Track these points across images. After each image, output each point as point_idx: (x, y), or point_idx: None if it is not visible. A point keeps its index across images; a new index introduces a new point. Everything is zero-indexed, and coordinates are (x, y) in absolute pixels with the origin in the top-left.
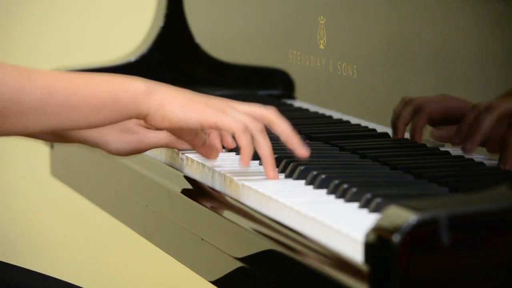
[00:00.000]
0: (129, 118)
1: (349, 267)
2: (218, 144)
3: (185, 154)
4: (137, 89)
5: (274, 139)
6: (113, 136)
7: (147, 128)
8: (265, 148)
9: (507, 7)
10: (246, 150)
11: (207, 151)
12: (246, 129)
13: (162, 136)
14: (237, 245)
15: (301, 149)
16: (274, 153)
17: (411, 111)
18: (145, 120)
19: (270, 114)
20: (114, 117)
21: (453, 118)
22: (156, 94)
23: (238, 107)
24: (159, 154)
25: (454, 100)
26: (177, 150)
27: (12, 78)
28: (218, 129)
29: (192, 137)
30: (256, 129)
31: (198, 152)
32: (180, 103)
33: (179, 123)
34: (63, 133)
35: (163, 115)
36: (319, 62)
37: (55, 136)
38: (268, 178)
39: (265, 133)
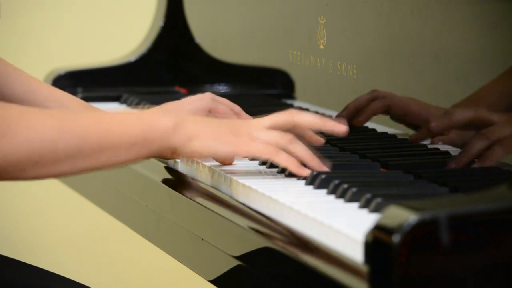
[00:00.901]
0: (160, 154)
1: (349, 267)
2: None
3: None
4: (166, 125)
5: None
6: None
7: None
8: (302, 154)
9: (507, 7)
10: (291, 165)
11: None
12: (278, 150)
13: None
14: (237, 245)
15: (338, 127)
16: None
17: (369, 99)
18: (173, 154)
19: (291, 117)
20: (144, 155)
21: (412, 121)
22: (184, 128)
23: (262, 124)
24: None
25: (418, 105)
26: None
27: (49, 129)
28: (251, 157)
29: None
30: (287, 142)
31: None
32: (208, 136)
33: (209, 156)
34: None
35: (192, 150)
36: (319, 62)
37: None
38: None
39: (296, 140)
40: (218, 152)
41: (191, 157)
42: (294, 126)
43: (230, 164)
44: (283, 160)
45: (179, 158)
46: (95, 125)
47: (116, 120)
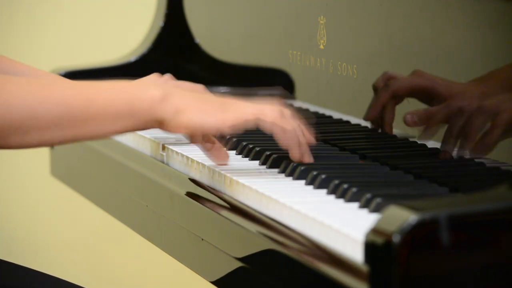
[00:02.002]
0: (146, 126)
1: (349, 267)
2: (225, 150)
3: (185, 154)
4: (153, 96)
5: (272, 139)
6: None
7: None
8: (294, 129)
9: (507, 7)
10: (276, 120)
11: (217, 155)
12: (264, 113)
13: None
14: (237, 245)
15: (302, 156)
16: (274, 153)
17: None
18: (160, 127)
19: (283, 110)
20: (130, 126)
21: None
22: (171, 100)
23: (249, 104)
24: (159, 154)
25: (424, 77)
26: (176, 151)
27: (29, 93)
28: (239, 129)
29: (202, 141)
30: (278, 115)
31: (208, 156)
32: (196, 108)
33: (195, 129)
34: None
35: (179, 122)
36: (319, 62)
37: None
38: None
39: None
40: (204, 125)
41: (178, 130)
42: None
43: (224, 162)
44: (269, 118)
45: (166, 131)
46: (78, 93)
47: (101, 90)
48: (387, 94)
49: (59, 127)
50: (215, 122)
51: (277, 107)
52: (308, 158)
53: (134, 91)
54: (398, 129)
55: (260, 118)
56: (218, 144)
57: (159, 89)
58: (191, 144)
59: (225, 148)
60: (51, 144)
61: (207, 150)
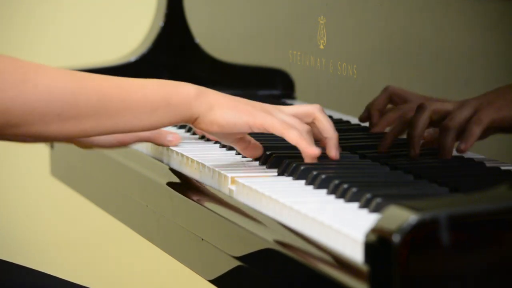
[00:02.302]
0: (181, 121)
1: (349, 267)
2: (259, 144)
3: (185, 154)
4: (188, 92)
5: (273, 139)
6: None
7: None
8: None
9: (507, 7)
10: (301, 141)
11: (252, 151)
12: (292, 127)
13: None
14: (237, 245)
15: (332, 151)
16: (274, 153)
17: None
18: (194, 124)
19: (315, 111)
20: (167, 120)
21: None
22: (206, 97)
23: (283, 109)
24: (159, 154)
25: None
26: (176, 150)
27: (69, 82)
28: (265, 130)
29: (237, 139)
30: (303, 129)
31: (243, 154)
32: (228, 106)
33: (228, 126)
34: None
35: (212, 119)
36: (319, 62)
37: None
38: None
39: (311, 133)
40: (236, 122)
41: (210, 127)
42: (314, 121)
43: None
44: (294, 136)
45: (199, 128)
46: (115, 85)
47: (138, 83)
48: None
49: (97, 117)
50: (247, 119)
51: (305, 125)
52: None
53: (171, 86)
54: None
55: (284, 134)
56: (253, 142)
57: (194, 87)
58: (191, 143)
59: (260, 144)
60: (89, 135)
61: (243, 149)
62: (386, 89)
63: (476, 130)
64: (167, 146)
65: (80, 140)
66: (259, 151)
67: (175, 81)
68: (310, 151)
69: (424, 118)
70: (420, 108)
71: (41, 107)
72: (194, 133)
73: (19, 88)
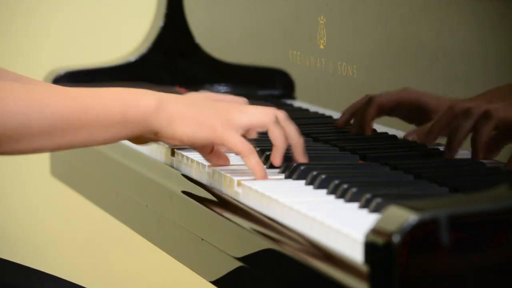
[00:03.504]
0: (140, 134)
1: (349, 267)
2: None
3: (185, 154)
4: (147, 105)
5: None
6: None
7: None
8: (278, 139)
9: (507, 7)
10: (257, 172)
11: (216, 159)
12: (251, 150)
13: None
14: (237, 245)
15: (301, 157)
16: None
17: (365, 105)
18: (155, 136)
19: (279, 115)
20: (124, 134)
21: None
22: (165, 110)
23: (247, 111)
24: (159, 154)
25: (413, 93)
26: (176, 150)
27: (22, 102)
28: (225, 147)
29: (201, 147)
30: (271, 119)
31: (207, 160)
32: (188, 119)
33: (188, 141)
34: None
35: (172, 134)
36: (319, 62)
37: None
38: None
39: (282, 120)
40: (195, 138)
41: (172, 141)
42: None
43: (224, 165)
44: (251, 163)
45: (160, 141)
46: (71, 101)
47: (96, 97)
48: (373, 109)
49: (51, 135)
50: (208, 135)
51: (271, 112)
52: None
53: (129, 99)
54: (398, 129)
55: (243, 157)
56: (216, 149)
57: (154, 98)
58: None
59: (224, 153)
60: (42, 151)
61: (205, 155)
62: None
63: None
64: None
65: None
66: (223, 160)
67: (136, 91)
68: (261, 178)
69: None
70: (466, 115)
71: None
72: None
73: None
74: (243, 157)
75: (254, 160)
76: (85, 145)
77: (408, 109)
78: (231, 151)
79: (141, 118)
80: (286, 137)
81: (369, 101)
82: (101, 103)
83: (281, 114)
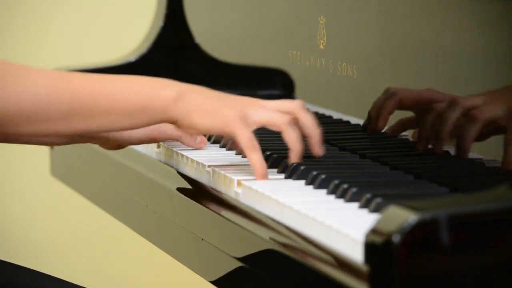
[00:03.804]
0: (159, 122)
1: (349, 267)
2: None
3: (185, 154)
4: (167, 95)
5: (272, 139)
6: None
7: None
8: (292, 140)
9: (507, 7)
10: (257, 167)
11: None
12: (256, 148)
13: (177, 129)
14: (237, 245)
15: (315, 149)
16: (274, 153)
17: (385, 98)
18: (175, 124)
19: (295, 109)
20: (143, 123)
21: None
22: (184, 101)
23: (266, 104)
24: (159, 154)
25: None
26: (176, 150)
27: (42, 85)
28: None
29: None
30: (285, 121)
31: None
32: (207, 111)
33: (205, 131)
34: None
35: (190, 123)
36: (319, 62)
37: (63, 137)
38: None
39: (294, 124)
40: (211, 129)
41: (189, 130)
42: (294, 118)
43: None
44: (253, 160)
45: (179, 129)
46: (91, 86)
47: (118, 85)
48: (393, 102)
49: (70, 119)
50: (222, 128)
51: (288, 111)
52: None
53: (149, 88)
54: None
55: (247, 154)
56: (204, 139)
57: (174, 89)
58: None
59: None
60: (61, 135)
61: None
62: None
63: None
64: (196, 147)
65: (108, 141)
66: (200, 143)
67: (156, 80)
68: (261, 177)
69: (453, 118)
70: (445, 116)
71: (10, 110)
72: None
73: None
74: (246, 153)
75: (257, 157)
76: (104, 131)
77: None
78: (238, 145)
79: (160, 107)
80: (302, 135)
81: (390, 94)
82: (121, 90)
83: (298, 105)
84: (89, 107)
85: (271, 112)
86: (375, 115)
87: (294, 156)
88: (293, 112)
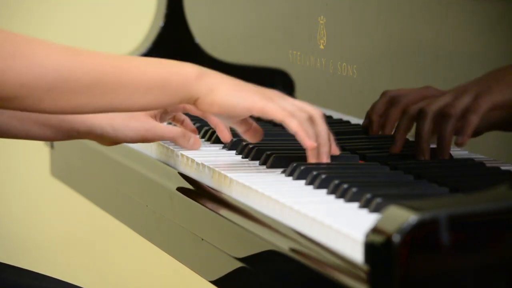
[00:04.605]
0: (181, 101)
1: (349, 267)
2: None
3: (185, 154)
4: (188, 73)
5: (273, 139)
6: (122, 123)
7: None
8: (320, 134)
9: (507, 7)
10: (300, 132)
11: (252, 135)
12: (293, 114)
13: (171, 129)
14: (237, 245)
15: (325, 158)
16: (274, 153)
17: (385, 102)
18: (195, 104)
19: (314, 112)
20: (165, 100)
21: None
22: (206, 78)
23: (286, 97)
24: (158, 154)
25: (435, 91)
26: (176, 151)
27: (63, 57)
28: (265, 116)
29: (239, 122)
30: (302, 117)
31: (244, 136)
32: (229, 89)
33: (228, 108)
34: (67, 125)
35: (212, 100)
36: (319, 62)
37: (59, 132)
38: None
39: (316, 119)
40: (236, 105)
41: (211, 108)
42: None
43: (259, 140)
44: (294, 124)
45: (200, 112)
46: (112, 62)
47: (136, 62)
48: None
49: (90, 93)
50: (248, 103)
51: (307, 111)
52: (326, 159)
53: (172, 66)
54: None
55: (285, 121)
56: (255, 125)
57: (196, 68)
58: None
59: (260, 129)
60: (83, 111)
61: (243, 132)
62: (384, 94)
63: (474, 118)
64: (190, 149)
65: (103, 138)
66: (259, 135)
67: (178, 62)
68: (307, 142)
69: (427, 124)
70: (422, 114)
71: (31, 81)
72: None
73: (8, 62)
74: (286, 122)
75: (296, 123)
76: (128, 109)
77: None
78: (272, 117)
79: (181, 84)
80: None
81: (393, 101)
82: (142, 67)
83: (318, 113)
84: (110, 80)
85: (293, 105)
86: (380, 122)
87: (311, 156)
88: (312, 116)
